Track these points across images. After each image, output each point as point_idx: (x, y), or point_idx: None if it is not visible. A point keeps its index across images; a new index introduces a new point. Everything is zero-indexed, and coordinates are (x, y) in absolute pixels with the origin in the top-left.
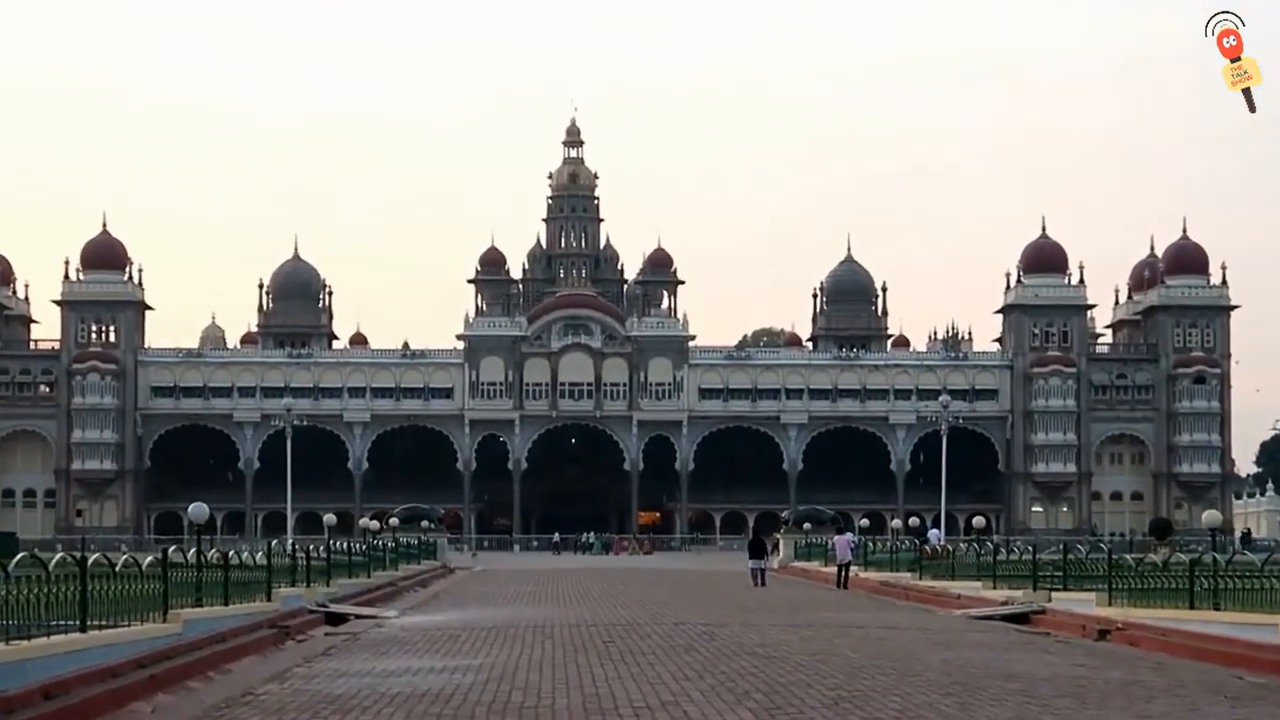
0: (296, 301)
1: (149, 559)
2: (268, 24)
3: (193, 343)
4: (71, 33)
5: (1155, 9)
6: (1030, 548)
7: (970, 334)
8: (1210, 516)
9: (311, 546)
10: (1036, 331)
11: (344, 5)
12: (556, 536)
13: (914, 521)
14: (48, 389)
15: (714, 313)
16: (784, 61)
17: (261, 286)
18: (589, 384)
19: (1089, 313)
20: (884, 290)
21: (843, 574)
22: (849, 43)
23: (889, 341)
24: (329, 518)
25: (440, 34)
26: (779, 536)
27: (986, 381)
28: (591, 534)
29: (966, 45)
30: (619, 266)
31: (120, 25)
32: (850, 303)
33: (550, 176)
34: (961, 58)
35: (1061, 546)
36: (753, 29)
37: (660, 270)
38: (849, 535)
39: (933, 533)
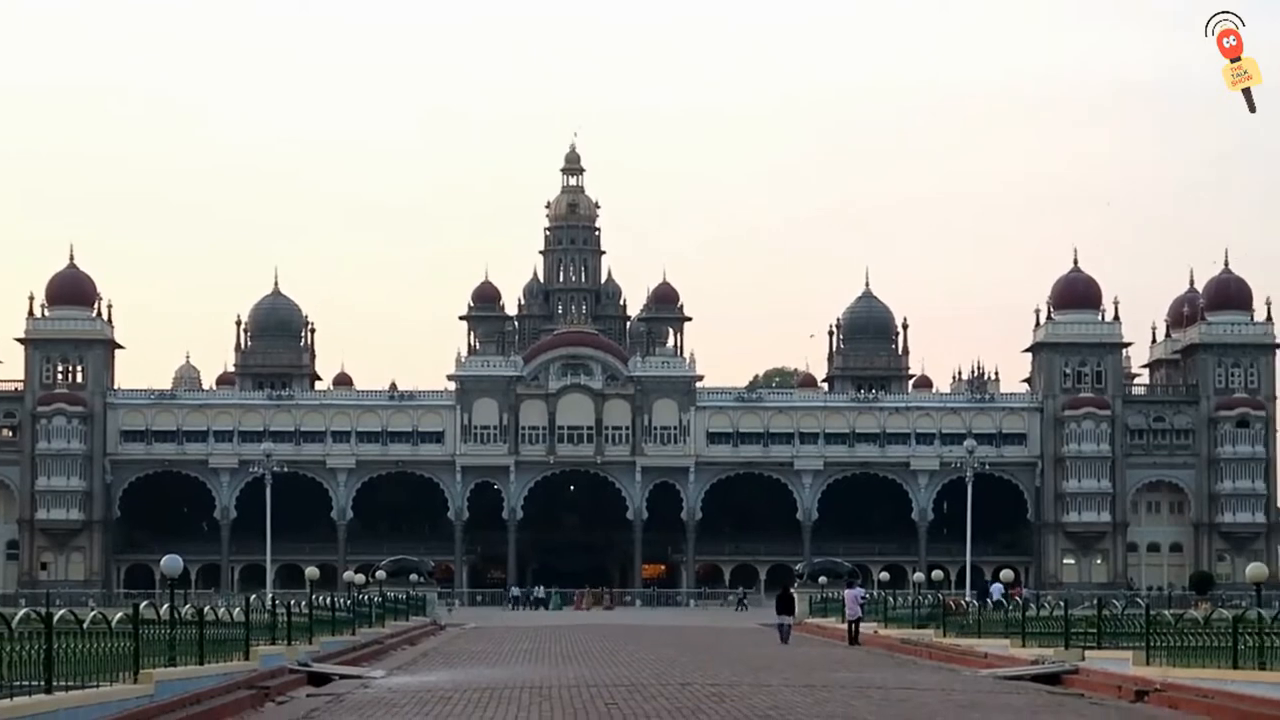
0: (276, 339)
1: (119, 615)
2: (247, 45)
3: (165, 384)
4: (37, 54)
5: (1192, 36)
6: (1062, 603)
7: (997, 374)
8: (1255, 570)
9: (293, 601)
10: (1068, 372)
11: (324, 26)
12: (515, 591)
13: (937, 575)
14: (10, 433)
15: (723, 352)
16: (800, 85)
17: (239, 324)
18: (589, 428)
19: (1124, 351)
20: (905, 328)
21: (854, 629)
22: (868, 66)
23: (910, 382)
24: (311, 571)
25: (431, 56)
26: (793, 591)
27: (1014, 425)
28: (541, 588)
29: (994, 70)
30: (621, 302)
31: (89, 46)
32: (869, 341)
33: (548, 206)
34: (989, 82)
35: (1095, 601)
36: (765, 52)
37: (665, 306)
38: (859, 589)
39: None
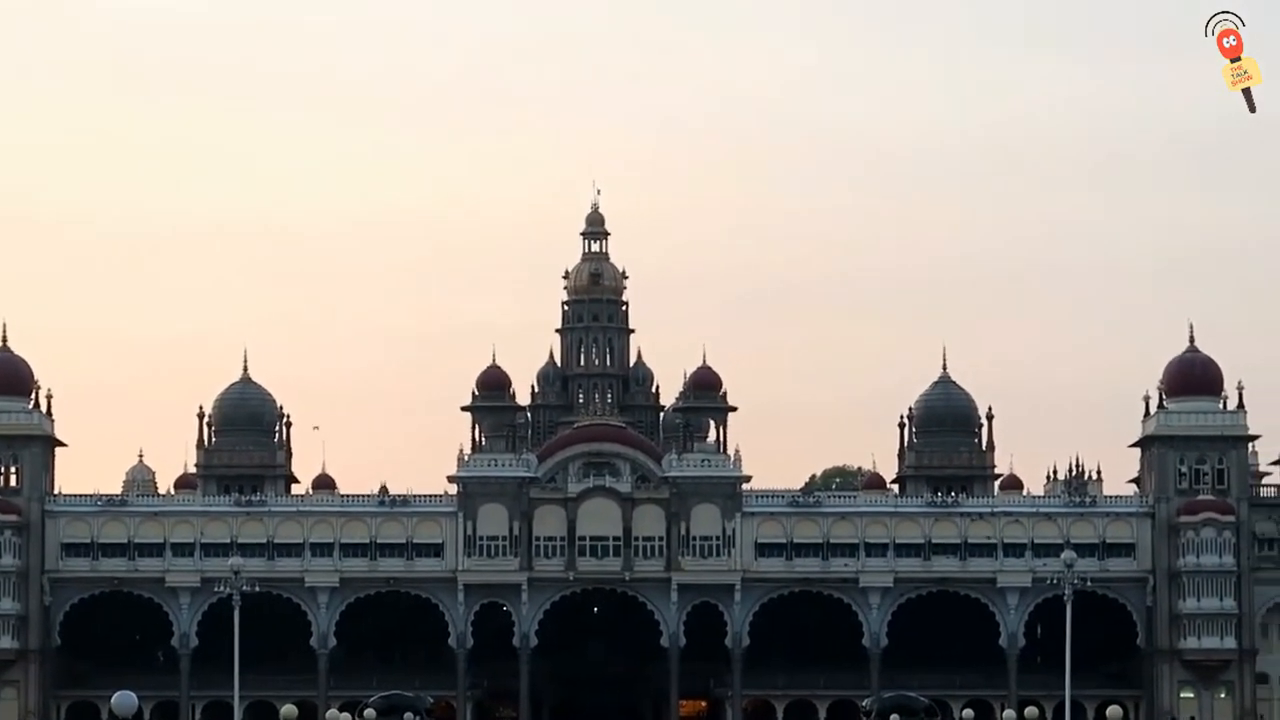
0: (245, 435)
1: None
2: (223, 88)
3: (115, 488)
4: None
5: None
6: None
7: (1099, 474)
8: None
9: None
10: (1184, 470)
11: (303, 76)
12: None
13: (1030, 712)
14: None
15: (774, 448)
16: (862, 133)
17: (201, 416)
18: (615, 538)
19: (1251, 445)
20: (989, 418)
21: None
22: (940, 116)
23: (996, 483)
24: (287, 709)
25: (428, 102)
26: None
27: (1120, 534)
28: None
29: (1096, 126)
30: (653, 390)
31: (29, 98)
32: (947, 434)
33: (566, 276)
34: (1089, 136)
35: None
36: (821, 97)
37: (705, 394)
38: None
39: None
